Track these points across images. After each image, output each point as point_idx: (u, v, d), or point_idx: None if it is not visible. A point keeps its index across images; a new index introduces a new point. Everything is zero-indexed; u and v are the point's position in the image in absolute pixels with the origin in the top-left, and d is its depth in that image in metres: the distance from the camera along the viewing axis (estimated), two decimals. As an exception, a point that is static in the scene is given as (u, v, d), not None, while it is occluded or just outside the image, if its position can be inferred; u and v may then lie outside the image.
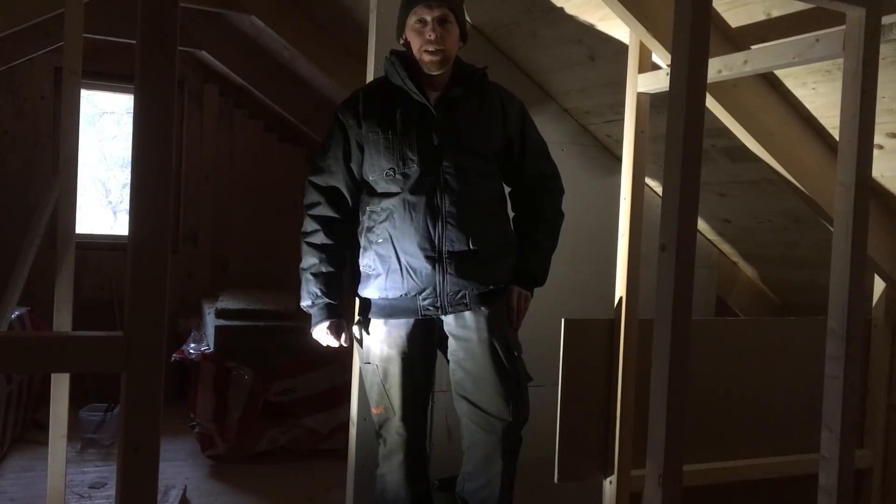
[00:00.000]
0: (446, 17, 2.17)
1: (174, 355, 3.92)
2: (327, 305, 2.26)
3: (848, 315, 1.51)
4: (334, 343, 2.30)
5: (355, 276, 2.30)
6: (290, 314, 4.06)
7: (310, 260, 2.26)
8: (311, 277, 2.25)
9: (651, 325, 1.37)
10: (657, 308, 1.34)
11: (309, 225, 2.27)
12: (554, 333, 2.20)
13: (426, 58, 2.17)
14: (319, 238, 2.25)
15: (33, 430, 3.99)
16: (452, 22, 2.19)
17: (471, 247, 2.17)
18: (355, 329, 2.34)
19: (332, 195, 2.27)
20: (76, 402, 3.29)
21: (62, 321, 2.39)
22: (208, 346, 3.91)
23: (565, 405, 2.20)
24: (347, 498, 2.68)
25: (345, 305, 2.32)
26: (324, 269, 2.24)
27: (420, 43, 2.17)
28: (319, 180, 2.28)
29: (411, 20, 2.19)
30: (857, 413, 2.41)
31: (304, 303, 2.29)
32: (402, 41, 2.25)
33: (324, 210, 2.26)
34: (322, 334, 2.28)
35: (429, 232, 2.16)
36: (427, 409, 2.39)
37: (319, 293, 2.24)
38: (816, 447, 1.57)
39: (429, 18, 2.16)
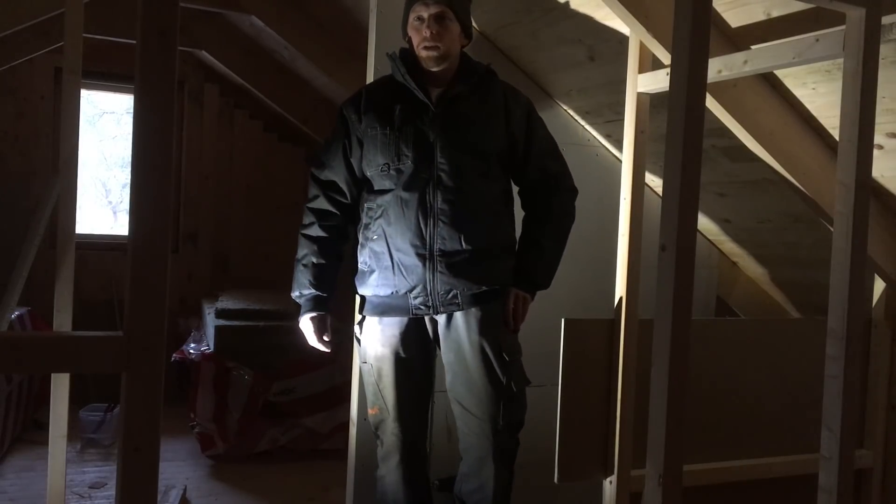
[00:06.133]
0: (444, 14, 2.17)
1: (174, 355, 3.91)
2: (315, 297, 2.26)
3: (848, 315, 1.51)
4: (315, 343, 2.28)
5: (355, 273, 2.30)
6: (291, 314, 4.04)
7: (302, 251, 2.28)
8: (302, 268, 2.27)
9: (651, 325, 1.37)
10: (657, 308, 1.34)
11: (306, 217, 2.30)
12: (554, 333, 2.19)
13: (423, 54, 2.18)
14: (314, 230, 2.26)
15: (33, 430, 3.99)
16: (451, 19, 2.19)
17: (464, 245, 2.15)
18: (357, 328, 2.33)
19: (330, 189, 2.28)
20: (76, 402, 3.29)
21: (62, 321, 2.39)
22: (208, 346, 3.91)
23: (565, 405, 2.20)
24: (347, 498, 2.68)
25: (337, 302, 2.31)
26: (314, 261, 2.25)
27: (418, 40, 2.18)
28: (319, 173, 2.29)
29: (411, 17, 2.21)
30: (857, 413, 2.41)
31: (294, 293, 2.30)
32: (406, 39, 2.27)
33: (320, 203, 2.28)
34: (305, 325, 2.28)
35: (420, 229, 2.15)
36: (426, 410, 2.37)
37: (308, 284, 2.25)
38: (816, 447, 1.58)
39: (425, 15, 2.17)
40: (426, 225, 2.15)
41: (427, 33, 2.16)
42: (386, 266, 2.18)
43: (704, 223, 3.09)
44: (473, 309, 2.19)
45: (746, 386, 2.42)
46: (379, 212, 2.19)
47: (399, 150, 2.17)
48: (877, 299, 2.52)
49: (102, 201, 6.52)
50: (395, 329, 2.21)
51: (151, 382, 0.97)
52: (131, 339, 0.96)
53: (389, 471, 2.27)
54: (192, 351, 3.90)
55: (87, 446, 3.84)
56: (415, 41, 2.20)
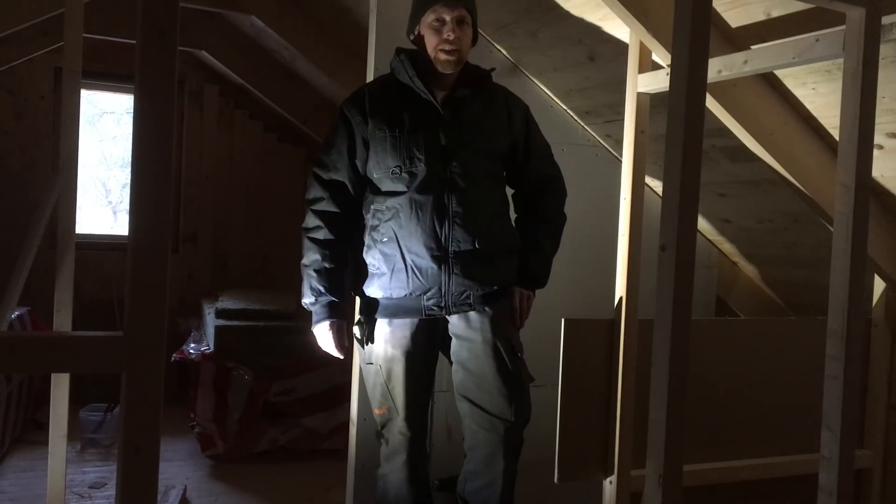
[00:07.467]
0: (464, 17, 2.17)
1: (174, 355, 3.92)
2: (330, 303, 2.23)
3: (848, 315, 1.51)
4: (333, 350, 2.27)
5: (357, 275, 2.29)
6: (290, 314, 4.06)
7: (312, 256, 2.23)
8: (313, 274, 2.22)
9: (651, 325, 1.37)
10: (657, 308, 1.34)
11: (311, 220, 2.25)
12: (554, 333, 2.20)
13: (442, 57, 2.16)
14: (322, 234, 2.23)
15: (33, 430, 3.99)
16: (468, 24, 2.18)
17: (476, 247, 2.17)
18: (356, 329, 2.33)
19: (335, 190, 2.25)
20: (76, 402, 3.29)
21: (62, 321, 2.39)
22: (208, 346, 3.91)
23: (565, 405, 2.20)
24: (347, 498, 2.68)
25: (346, 305, 2.31)
26: (326, 266, 2.22)
27: (437, 41, 2.16)
28: (324, 174, 2.25)
29: (429, 17, 2.17)
30: (857, 413, 2.41)
31: (307, 300, 2.25)
32: (412, 37, 2.24)
33: (327, 205, 2.24)
34: (323, 333, 2.25)
35: (436, 231, 2.15)
36: (428, 410, 2.38)
37: (322, 290, 2.22)
38: (816, 447, 1.58)
39: (448, 18, 2.15)
40: (441, 227, 2.15)
41: (450, 36, 2.14)
42: (399, 268, 2.17)
43: (704, 223, 3.09)
44: (485, 308, 2.21)
45: (746, 386, 2.42)
46: (389, 214, 2.18)
47: (411, 152, 2.16)
48: (877, 299, 2.52)
49: (102, 201, 6.52)
50: (405, 330, 2.21)
51: (151, 382, 0.97)
52: (131, 339, 0.96)
53: (393, 469, 2.27)
54: (192, 351, 3.90)
55: (87, 446, 3.84)
56: (432, 42, 2.17)
